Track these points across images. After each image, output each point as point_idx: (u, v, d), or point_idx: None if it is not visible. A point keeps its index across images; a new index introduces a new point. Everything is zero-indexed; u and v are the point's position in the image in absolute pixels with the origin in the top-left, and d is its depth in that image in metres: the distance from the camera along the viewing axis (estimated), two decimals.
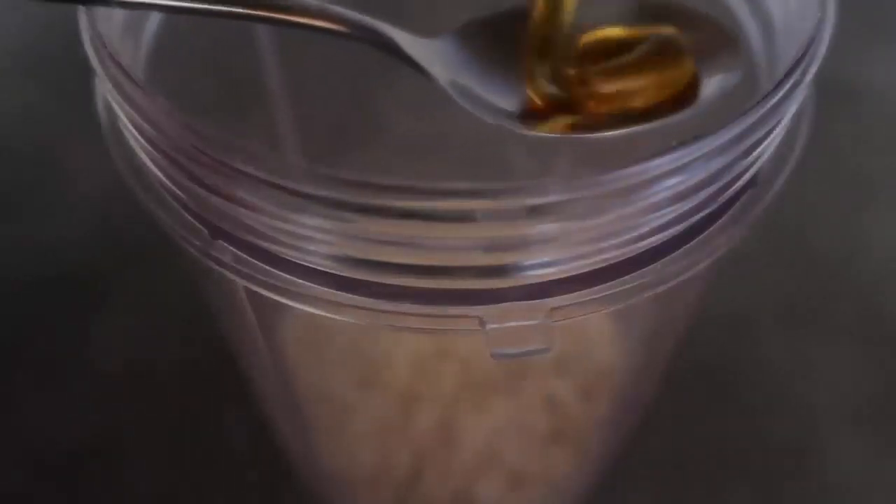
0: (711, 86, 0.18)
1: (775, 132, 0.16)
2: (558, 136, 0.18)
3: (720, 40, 0.18)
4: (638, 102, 0.18)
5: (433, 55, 0.18)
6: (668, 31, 0.18)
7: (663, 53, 0.18)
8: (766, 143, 0.15)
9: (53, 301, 0.32)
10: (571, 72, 0.18)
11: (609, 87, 0.18)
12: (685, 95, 0.18)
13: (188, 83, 0.20)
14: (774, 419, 0.29)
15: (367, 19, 0.17)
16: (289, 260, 0.15)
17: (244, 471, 0.28)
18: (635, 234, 0.15)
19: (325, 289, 0.15)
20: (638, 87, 0.18)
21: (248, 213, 0.15)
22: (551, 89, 0.18)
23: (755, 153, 0.15)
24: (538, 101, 0.18)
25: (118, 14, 0.18)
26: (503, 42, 0.19)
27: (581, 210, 0.14)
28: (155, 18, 0.19)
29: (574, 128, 0.18)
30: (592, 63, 0.18)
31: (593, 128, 0.18)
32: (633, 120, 0.17)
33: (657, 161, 0.14)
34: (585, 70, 0.18)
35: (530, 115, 0.18)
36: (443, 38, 0.19)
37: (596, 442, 0.28)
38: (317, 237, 0.14)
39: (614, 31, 0.19)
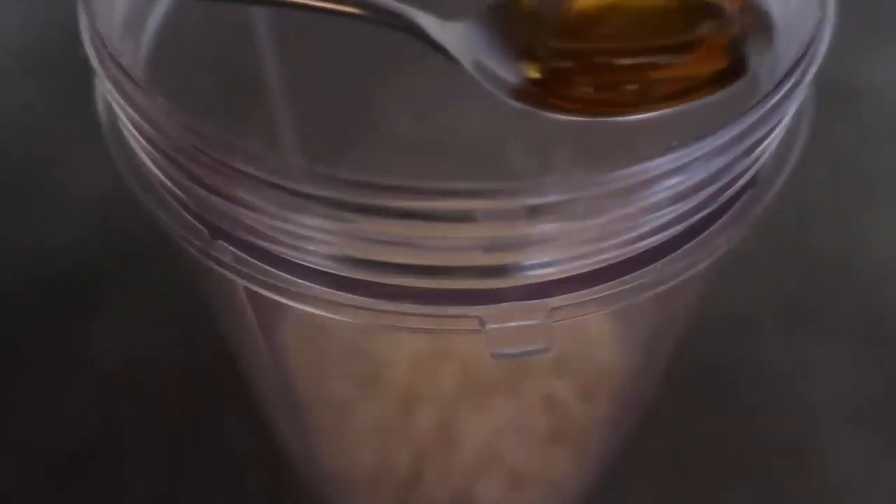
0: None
1: (775, 132, 0.16)
2: (582, 119, 0.18)
3: (754, 22, 0.18)
4: (665, 85, 0.17)
5: (457, 38, 0.18)
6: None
7: (701, 31, 0.18)
8: (766, 143, 0.15)
9: (53, 301, 0.32)
10: (597, 50, 0.18)
11: (638, 65, 0.18)
12: (720, 76, 0.17)
13: (188, 83, 0.20)
14: (774, 419, 0.29)
15: (392, 3, 0.17)
16: (289, 260, 0.15)
17: (244, 471, 0.28)
18: (635, 234, 0.15)
19: (325, 289, 0.15)
20: (667, 67, 0.18)
21: (248, 213, 0.15)
22: (572, 69, 0.18)
23: (755, 153, 0.15)
24: (563, 84, 0.18)
25: (118, 14, 0.18)
26: (525, 23, 0.19)
27: (581, 210, 0.14)
28: (155, 18, 0.19)
29: (598, 111, 0.18)
30: (624, 38, 0.18)
31: (618, 111, 0.17)
32: (659, 101, 0.17)
33: (657, 161, 0.14)
34: (611, 46, 0.18)
35: (554, 98, 0.18)
36: (467, 22, 0.18)
37: (596, 442, 0.28)
38: (317, 237, 0.14)
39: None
